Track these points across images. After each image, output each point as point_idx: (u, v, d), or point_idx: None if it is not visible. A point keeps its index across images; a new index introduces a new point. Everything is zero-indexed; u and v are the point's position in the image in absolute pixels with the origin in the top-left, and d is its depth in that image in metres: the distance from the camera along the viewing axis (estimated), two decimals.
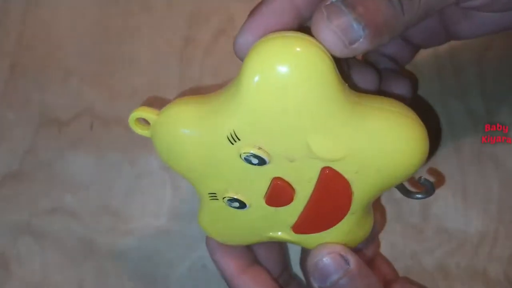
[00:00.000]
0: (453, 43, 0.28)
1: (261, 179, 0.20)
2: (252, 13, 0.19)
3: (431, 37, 0.24)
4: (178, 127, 0.20)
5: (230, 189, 0.21)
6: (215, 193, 0.21)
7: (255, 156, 0.19)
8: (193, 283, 0.28)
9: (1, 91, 0.30)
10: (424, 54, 0.27)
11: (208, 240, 0.25)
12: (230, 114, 0.18)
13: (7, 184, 0.29)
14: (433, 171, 0.28)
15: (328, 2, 0.16)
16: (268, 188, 0.20)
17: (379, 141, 0.18)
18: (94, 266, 0.28)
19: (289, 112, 0.17)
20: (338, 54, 0.17)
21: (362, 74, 0.22)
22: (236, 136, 0.18)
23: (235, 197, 0.21)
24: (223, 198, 0.21)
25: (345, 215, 0.21)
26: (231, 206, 0.21)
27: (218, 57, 0.30)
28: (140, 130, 0.21)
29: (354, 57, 0.21)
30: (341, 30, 0.16)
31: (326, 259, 0.20)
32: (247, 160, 0.19)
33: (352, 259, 0.20)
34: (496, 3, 0.20)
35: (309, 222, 0.21)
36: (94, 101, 0.30)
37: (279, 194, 0.20)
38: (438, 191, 0.28)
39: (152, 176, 0.29)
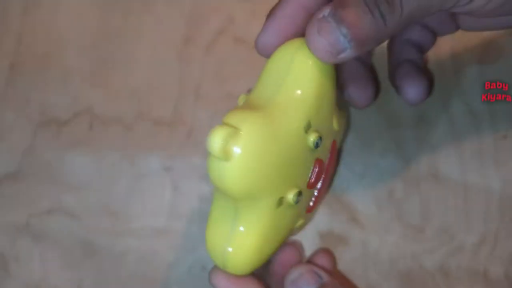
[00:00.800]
0: (453, 43, 0.29)
1: (310, 163, 0.22)
2: (268, 17, 0.21)
3: (443, 26, 0.25)
4: (266, 133, 0.19)
5: (295, 183, 0.22)
6: (283, 197, 0.21)
7: (320, 139, 0.21)
8: (193, 284, 0.28)
9: (1, 90, 0.30)
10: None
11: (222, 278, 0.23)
12: (303, 105, 0.20)
13: (6, 184, 0.29)
14: None
15: (320, 16, 0.19)
16: (313, 169, 0.22)
17: (342, 120, 0.25)
18: (93, 267, 0.28)
19: (326, 96, 0.21)
20: (326, 62, 0.20)
21: (359, 89, 0.25)
22: (310, 124, 0.21)
23: (300, 190, 0.22)
24: (294, 195, 0.21)
25: (329, 183, 0.26)
26: (297, 202, 0.21)
27: (218, 57, 0.30)
28: (226, 155, 0.18)
29: (354, 72, 0.25)
30: (329, 44, 0.19)
31: (302, 277, 0.23)
32: (317, 144, 0.21)
33: (323, 273, 0.23)
34: (484, 10, 0.20)
35: (320, 196, 0.25)
36: (93, 101, 0.30)
37: (320, 172, 0.23)
38: (439, 191, 0.28)
39: (152, 176, 0.29)
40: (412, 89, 0.25)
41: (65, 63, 0.30)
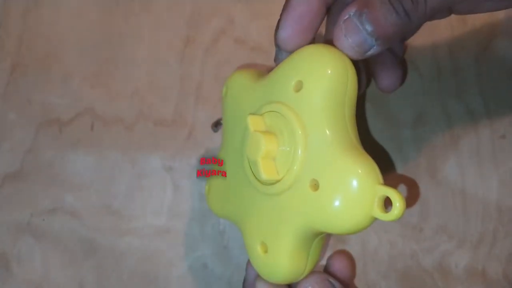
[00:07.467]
0: (452, 43, 0.29)
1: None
2: (284, 7, 0.21)
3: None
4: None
5: None
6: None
7: None
8: (193, 282, 0.28)
9: (2, 91, 0.30)
10: (424, 54, 0.27)
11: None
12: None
13: (8, 184, 0.29)
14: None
15: (346, 17, 0.19)
16: None
17: None
18: (95, 266, 0.29)
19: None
20: (355, 59, 0.20)
21: (387, 77, 0.25)
22: None
23: None
24: None
25: None
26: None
27: (218, 57, 0.30)
28: (384, 215, 0.18)
29: (384, 61, 0.25)
30: (357, 45, 0.19)
31: (317, 285, 0.22)
32: None
33: (336, 282, 0.23)
34: None
35: None
36: (94, 101, 0.30)
37: None
38: (438, 191, 0.28)
39: (153, 176, 0.29)
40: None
41: (67, 64, 0.30)
